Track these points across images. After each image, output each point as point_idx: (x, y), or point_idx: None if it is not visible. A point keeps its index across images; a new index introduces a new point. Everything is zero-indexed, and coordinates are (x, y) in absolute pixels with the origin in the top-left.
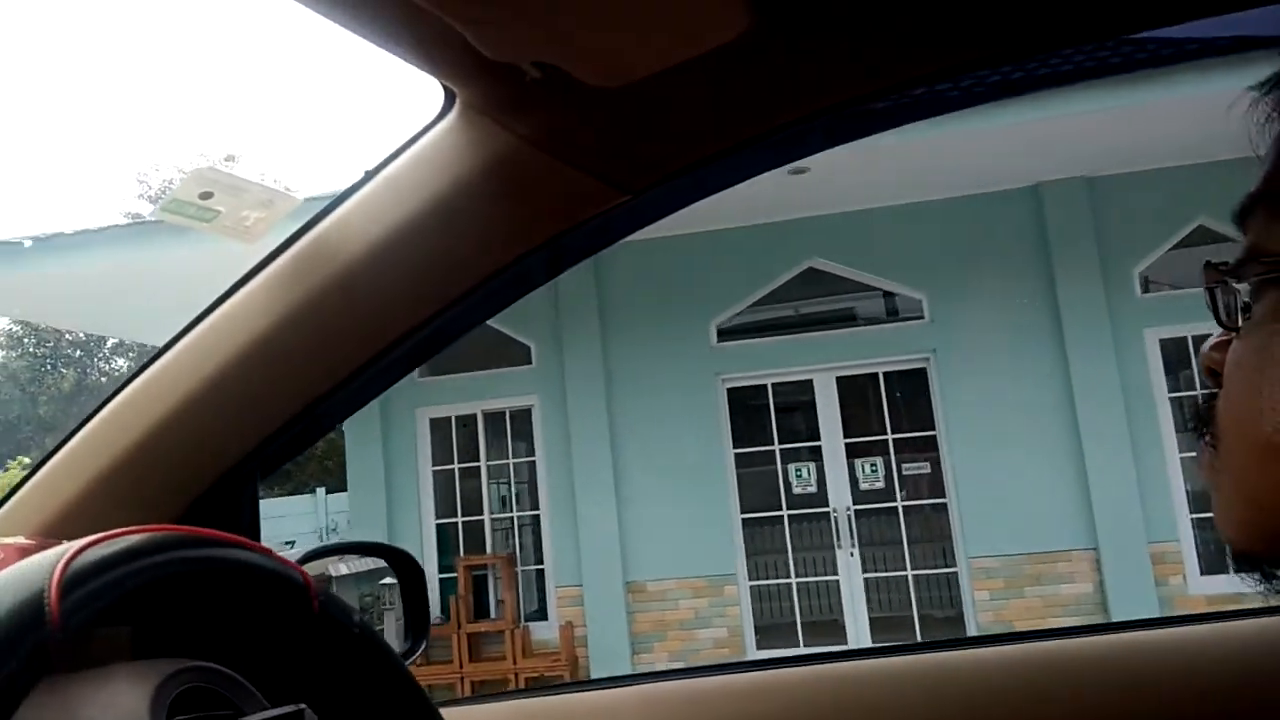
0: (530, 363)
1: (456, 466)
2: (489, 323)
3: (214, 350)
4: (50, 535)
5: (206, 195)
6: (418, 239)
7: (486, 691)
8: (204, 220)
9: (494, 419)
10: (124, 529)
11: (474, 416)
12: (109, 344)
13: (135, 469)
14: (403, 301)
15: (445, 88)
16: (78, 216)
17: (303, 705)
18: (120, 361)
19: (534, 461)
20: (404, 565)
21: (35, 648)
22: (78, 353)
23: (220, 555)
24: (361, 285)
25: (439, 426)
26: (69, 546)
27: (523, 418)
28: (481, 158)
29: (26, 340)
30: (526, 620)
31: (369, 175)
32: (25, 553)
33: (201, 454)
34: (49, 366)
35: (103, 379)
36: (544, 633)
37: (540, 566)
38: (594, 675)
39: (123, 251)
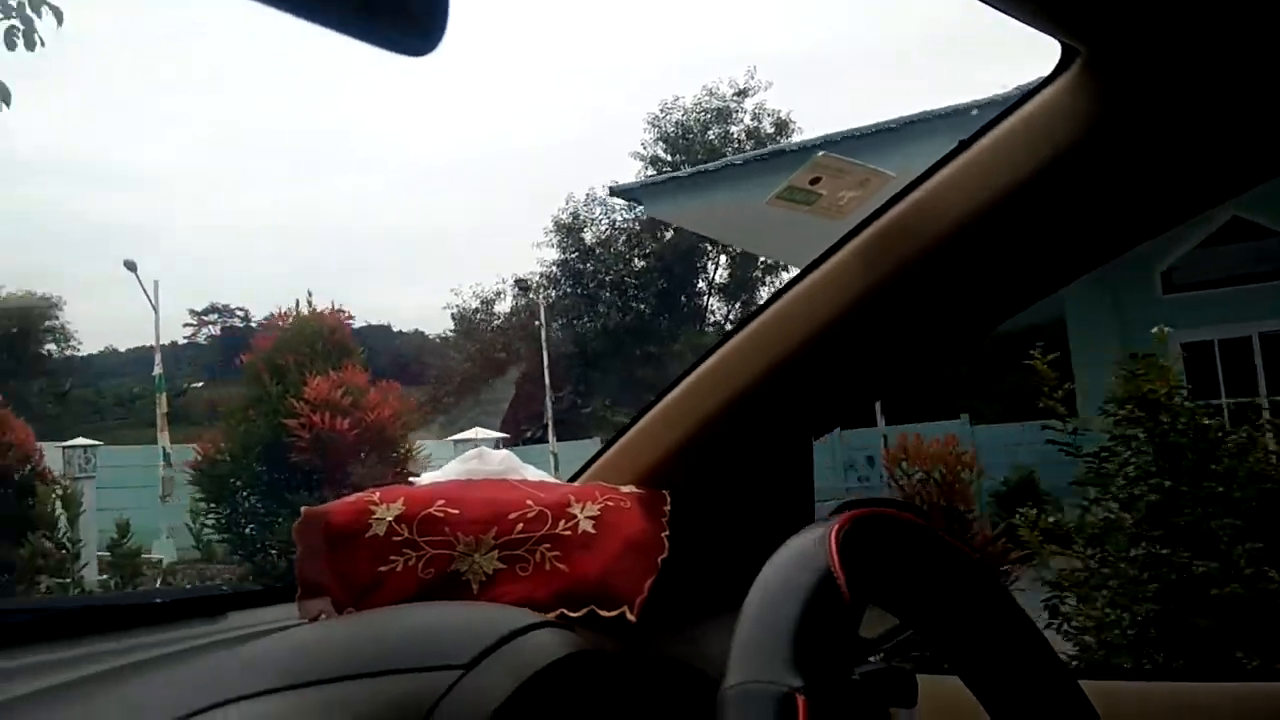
0: None
1: (1225, 401)
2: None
3: (800, 318)
4: (649, 483)
5: (815, 180)
6: (1028, 204)
7: None
8: (807, 204)
9: (1275, 342)
10: (860, 508)
11: (1246, 340)
12: (630, 286)
13: (724, 424)
14: (1008, 267)
15: (1066, 46)
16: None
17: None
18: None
19: None
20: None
21: (844, 625)
22: (606, 293)
23: (943, 543)
24: (959, 254)
25: (1197, 352)
26: (828, 524)
27: None
28: (1106, 118)
29: (564, 281)
30: None
31: (964, 145)
32: (641, 501)
33: (779, 414)
34: (586, 306)
35: (626, 317)
36: None
37: None
38: None
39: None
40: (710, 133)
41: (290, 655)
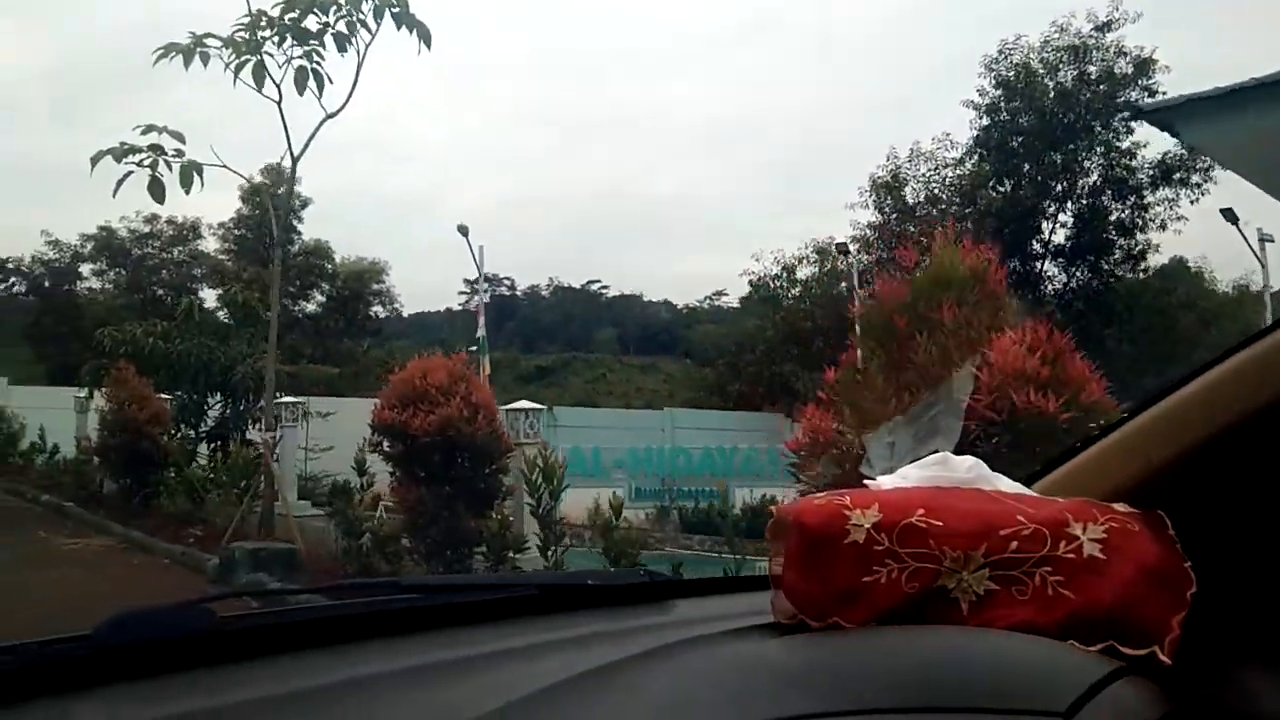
0: None
1: None
2: None
3: None
4: (1130, 500)
5: None
6: None
7: None
8: None
9: None
10: None
11: None
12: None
13: (1235, 439)
14: None
15: None
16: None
17: None
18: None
19: None
20: None
21: None
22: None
23: None
24: None
25: None
26: None
27: None
28: None
29: (877, 245)
30: None
31: None
32: (1146, 522)
33: None
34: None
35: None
36: None
37: None
38: None
39: None
40: (1061, 74)
41: (827, 670)
